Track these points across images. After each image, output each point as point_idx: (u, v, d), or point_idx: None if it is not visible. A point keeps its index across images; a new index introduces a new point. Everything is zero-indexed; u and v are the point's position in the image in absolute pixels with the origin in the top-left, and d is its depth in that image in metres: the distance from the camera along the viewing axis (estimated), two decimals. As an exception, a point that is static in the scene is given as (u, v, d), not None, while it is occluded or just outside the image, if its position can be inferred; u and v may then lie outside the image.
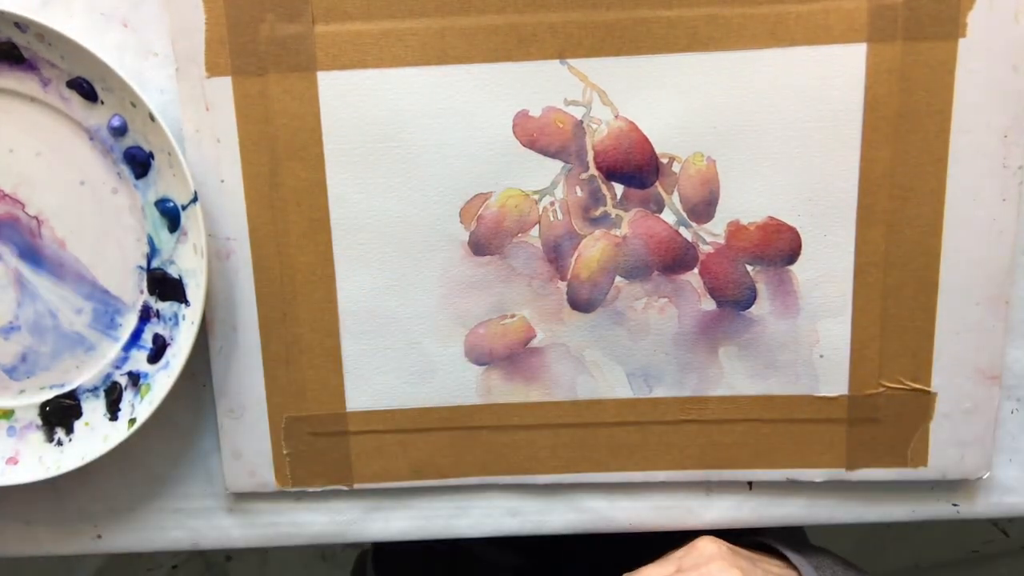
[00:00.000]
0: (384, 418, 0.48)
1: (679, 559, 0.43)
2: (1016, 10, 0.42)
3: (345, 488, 0.49)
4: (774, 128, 0.43)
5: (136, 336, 0.47)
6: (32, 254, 0.46)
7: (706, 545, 0.43)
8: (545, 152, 0.44)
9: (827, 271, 0.45)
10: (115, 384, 0.48)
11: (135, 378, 0.47)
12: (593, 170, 0.44)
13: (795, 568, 0.44)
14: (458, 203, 0.45)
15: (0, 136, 0.45)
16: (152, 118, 0.42)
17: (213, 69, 0.44)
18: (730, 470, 0.48)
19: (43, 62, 0.44)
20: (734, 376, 0.46)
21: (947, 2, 0.42)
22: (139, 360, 0.47)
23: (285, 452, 0.48)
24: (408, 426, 0.48)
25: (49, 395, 0.48)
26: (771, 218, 0.45)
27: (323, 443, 0.48)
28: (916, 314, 0.45)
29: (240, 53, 0.43)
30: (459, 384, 0.47)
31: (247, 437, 0.48)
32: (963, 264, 0.45)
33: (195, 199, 0.43)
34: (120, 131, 0.44)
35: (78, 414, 0.48)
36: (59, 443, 0.48)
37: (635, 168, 0.44)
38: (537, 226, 0.45)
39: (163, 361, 0.47)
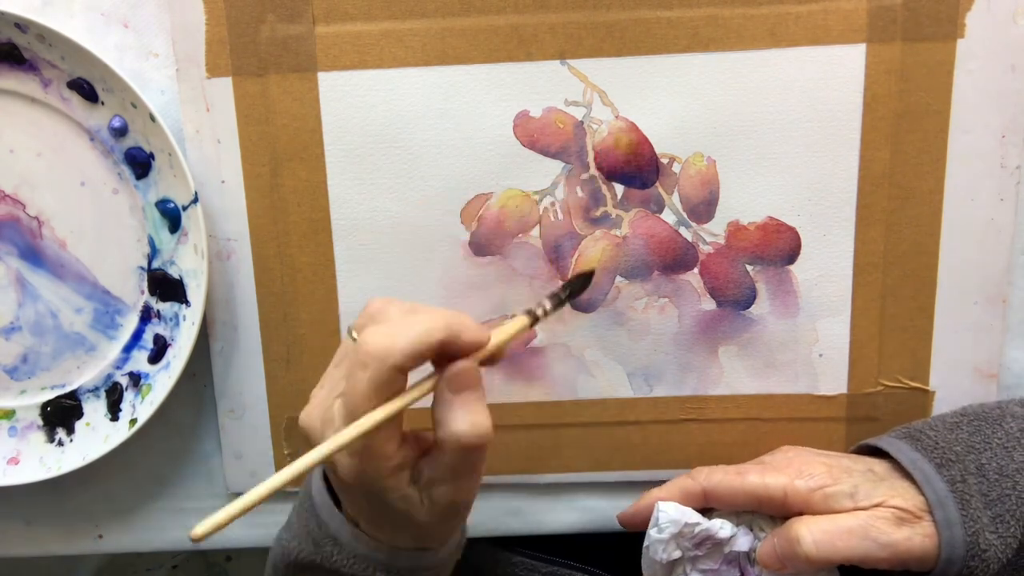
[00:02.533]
0: (385, 418, 0.48)
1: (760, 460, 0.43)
2: (1014, 11, 0.42)
3: (346, 488, 0.49)
4: (774, 128, 0.43)
5: (137, 336, 0.47)
6: (33, 255, 0.46)
7: (786, 450, 0.44)
8: (545, 152, 0.44)
9: (826, 271, 0.45)
10: (116, 384, 0.48)
11: (136, 378, 0.47)
12: (593, 170, 0.44)
13: (890, 456, 0.41)
14: (459, 203, 0.45)
15: (1, 137, 0.45)
16: (152, 119, 0.42)
17: (213, 70, 0.44)
18: (730, 469, 0.48)
19: (44, 63, 0.43)
20: (734, 375, 0.47)
21: (946, 3, 0.42)
22: (140, 360, 0.47)
23: (286, 452, 0.48)
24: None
25: (50, 395, 0.48)
26: (771, 218, 0.45)
27: (324, 443, 0.48)
28: (915, 313, 0.45)
29: (240, 54, 0.43)
30: (460, 384, 0.47)
31: (248, 437, 0.48)
32: (961, 264, 0.45)
33: (196, 200, 0.43)
34: (121, 132, 0.44)
35: (79, 414, 0.48)
36: (60, 443, 0.48)
37: (635, 168, 0.44)
38: (538, 226, 0.45)
39: (164, 361, 0.47)
